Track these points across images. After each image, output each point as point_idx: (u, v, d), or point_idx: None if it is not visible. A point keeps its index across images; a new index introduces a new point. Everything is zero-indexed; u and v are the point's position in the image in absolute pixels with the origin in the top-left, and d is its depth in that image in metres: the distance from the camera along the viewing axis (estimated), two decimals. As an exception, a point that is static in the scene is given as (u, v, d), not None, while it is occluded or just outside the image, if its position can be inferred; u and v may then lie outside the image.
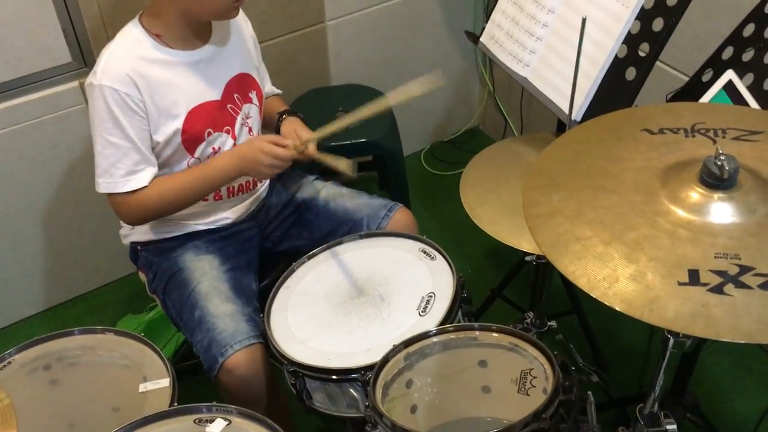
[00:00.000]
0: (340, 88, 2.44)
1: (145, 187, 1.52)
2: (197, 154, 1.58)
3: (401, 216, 1.72)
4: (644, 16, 1.49)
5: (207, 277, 1.59)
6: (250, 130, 1.68)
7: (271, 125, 1.76)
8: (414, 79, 1.46)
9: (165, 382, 1.38)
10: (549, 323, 1.87)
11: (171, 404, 1.32)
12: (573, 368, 1.24)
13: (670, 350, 1.13)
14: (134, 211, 1.55)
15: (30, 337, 1.48)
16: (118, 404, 1.48)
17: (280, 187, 1.82)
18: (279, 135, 1.61)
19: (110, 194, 1.53)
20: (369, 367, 1.32)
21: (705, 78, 1.48)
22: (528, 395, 1.30)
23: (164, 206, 1.57)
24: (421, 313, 1.45)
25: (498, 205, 1.59)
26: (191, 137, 1.55)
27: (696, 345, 1.57)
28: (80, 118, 2.04)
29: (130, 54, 1.48)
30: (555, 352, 1.26)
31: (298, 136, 1.61)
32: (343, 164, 1.49)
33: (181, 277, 1.61)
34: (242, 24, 1.67)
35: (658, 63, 1.49)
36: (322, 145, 1.58)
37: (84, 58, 1.99)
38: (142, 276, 1.74)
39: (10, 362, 1.44)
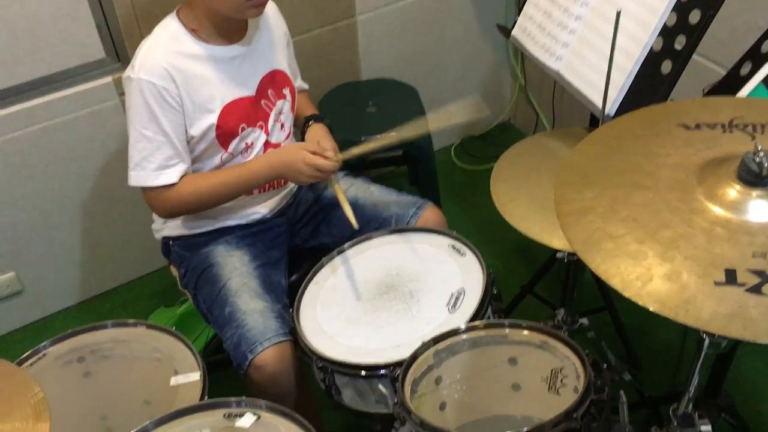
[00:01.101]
0: (370, 82, 2.44)
1: (181, 182, 1.53)
2: (230, 149, 1.59)
3: (430, 214, 1.72)
4: (681, 7, 1.46)
5: (237, 273, 1.60)
6: (282, 126, 1.68)
7: (297, 126, 1.77)
8: (455, 101, 1.51)
9: (196, 376, 1.39)
10: (580, 321, 1.85)
11: (201, 398, 1.33)
12: (605, 366, 1.22)
13: (705, 351, 1.11)
14: (167, 206, 1.57)
15: (64, 330, 1.49)
16: (149, 397, 1.50)
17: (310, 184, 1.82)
18: (318, 144, 1.62)
19: (144, 188, 1.54)
20: (398, 364, 1.32)
21: (743, 71, 1.45)
22: (558, 394, 1.29)
23: (199, 203, 1.59)
24: (451, 310, 1.44)
25: (529, 201, 1.57)
26: (225, 132, 1.56)
27: (732, 345, 1.54)
28: (114, 113, 2.07)
29: (168, 48, 1.49)
30: (586, 351, 1.24)
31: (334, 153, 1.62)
32: (349, 211, 1.54)
33: (212, 273, 1.62)
34: (277, 21, 1.68)
35: (694, 56, 1.46)
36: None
37: (117, 54, 2.01)
38: (174, 271, 1.76)
39: (44, 354, 1.46)
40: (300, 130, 1.76)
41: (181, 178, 1.54)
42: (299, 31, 2.22)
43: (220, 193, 1.58)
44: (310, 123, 1.74)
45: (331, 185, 1.67)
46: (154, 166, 1.51)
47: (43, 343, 1.46)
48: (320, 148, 1.57)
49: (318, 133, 1.71)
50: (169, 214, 1.64)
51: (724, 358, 1.56)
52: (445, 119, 1.53)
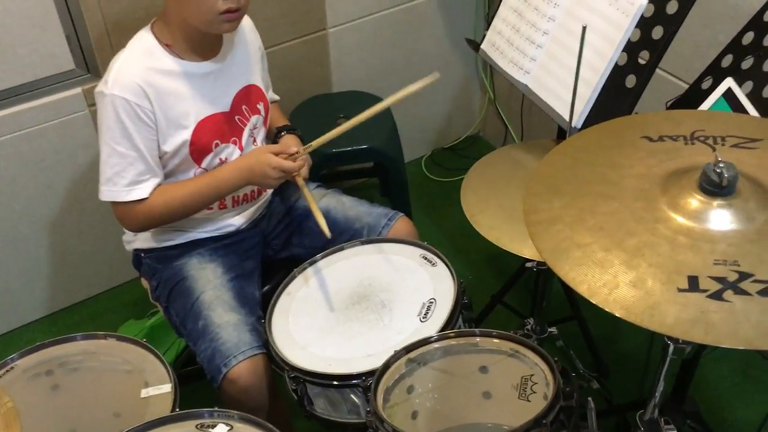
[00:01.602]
0: (341, 94, 2.45)
1: (151, 195, 1.53)
2: (204, 164, 1.59)
3: (402, 225, 1.74)
4: (644, 24, 1.50)
5: (210, 286, 1.60)
6: (255, 140, 1.69)
7: (269, 137, 1.78)
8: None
9: (167, 388, 1.38)
10: (549, 330, 1.88)
11: (173, 409, 1.32)
12: (573, 374, 1.24)
13: (670, 356, 1.14)
14: (139, 220, 1.57)
15: (31, 343, 1.48)
16: (119, 410, 1.49)
17: (282, 194, 1.83)
18: (285, 144, 1.63)
19: (114, 202, 1.54)
20: (370, 373, 1.33)
21: (704, 86, 1.49)
22: (529, 401, 1.31)
23: (169, 214, 1.58)
24: (422, 319, 1.45)
25: (499, 211, 1.59)
26: (199, 148, 1.57)
27: (696, 351, 1.58)
28: (83, 124, 2.05)
29: (142, 64, 1.49)
30: (555, 359, 1.26)
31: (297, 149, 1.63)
32: (322, 220, 1.54)
33: (184, 286, 1.62)
34: (252, 36, 1.69)
35: (657, 70, 1.50)
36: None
37: (87, 65, 2.00)
38: (145, 283, 1.75)
39: (12, 367, 1.44)
40: (272, 141, 1.77)
41: (152, 192, 1.54)
42: (271, 43, 2.23)
43: (191, 203, 1.58)
44: (282, 134, 1.75)
45: (302, 195, 1.67)
46: (126, 182, 1.51)
47: (11, 356, 1.45)
48: (284, 145, 1.59)
49: (290, 143, 1.71)
50: (139, 228, 1.63)
51: (689, 364, 1.60)
52: (401, 93, 1.55)
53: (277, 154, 1.56)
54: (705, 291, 0.93)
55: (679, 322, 0.90)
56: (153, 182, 1.53)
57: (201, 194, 1.58)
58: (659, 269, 0.96)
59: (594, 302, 0.94)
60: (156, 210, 1.55)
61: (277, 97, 1.86)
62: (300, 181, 1.62)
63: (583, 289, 0.95)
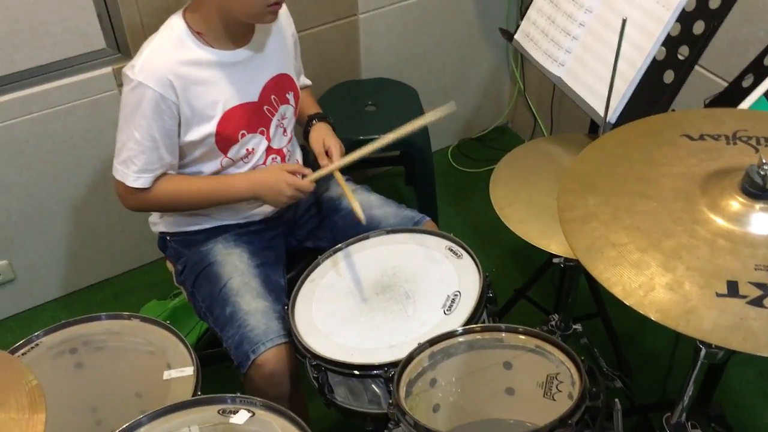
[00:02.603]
0: (370, 81, 2.43)
1: (157, 182, 1.54)
2: (230, 154, 1.59)
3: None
4: (685, 18, 1.46)
5: (238, 272, 1.60)
6: (285, 130, 1.68)
7: (300, 123, 1.77)
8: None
9: (189, 371, 1.39)
10: (574, 326, 1.85)
11: (194, 393, 1.33)
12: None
13: (701, 360, 1.11)
14: (136, 204, 1.58)
15: (55, 320, 1.49)
16: (141, 390, 1.50)
17: None
18: (300, 165, 1.65)
19: (118, 181, 1.55)
20: (392, 364, 1.32)
21: (745, 83, 1.45)
22: (554, 400, 1.29)
23: (169, 206, 1.62)
24: (446, 312, 1.44)
25: (528, 205, 1.57)
26: (225, 138, 1.56)
27: (727, 356, 1.55)
28: (112, 103, 2.05)
29: (172, 54, 1.48)
30: (582, 357, 1.24)
31: (326, 154, 1.65)
32: (357, 205, 1.56)
33: (211, 272, 1.62)
34: (285, 23, 1.67)
35: (695, 67, 1.47)
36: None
37: (118, 44, 2.00)
38: (170, 266, 1.75)
39: (37, 344, 1.45)
40: (303, 128, 1.75)
41: (158, 180, 1.54)
42: (301, 27, 2.20)
43: (193, 203, 1.61)
44: (314, 122, 1.73)
45: (337, 184, 1.66)
46: (137, 168, 1.51)
47: (36, 333, 1.46)
48: (298, 167, 1.60)
49: (322, 132, 1.70)
50: (134, 209, 1.64)
51: (717, 367, 1.57)
52: (416, 123, 1.57)
53: (292, 174, 1.57)
54: (744, 297, 0.90)
55: (716, 328, 0.87)
56: (161, 173, 1.54)
57: (205, 196, 1.60)
58: (697, 273, 0.94)
59: (628, 304, 0.92)
60: (157, 199, 1.56)
61: (308, 82, 1.85)
62: (337, 173, 1.63)
63: (617, 290, 0.93)
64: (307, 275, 1.59)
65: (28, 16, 1.84)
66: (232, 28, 1.52)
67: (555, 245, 1.47)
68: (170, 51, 1.48)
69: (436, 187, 2.35)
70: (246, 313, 1.52)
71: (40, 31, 1.87)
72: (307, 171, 1.60)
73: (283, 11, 1.65)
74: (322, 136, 1.68)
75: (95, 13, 1.92)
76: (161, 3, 1.91)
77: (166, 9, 1.56)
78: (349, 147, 2.10)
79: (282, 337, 1.49)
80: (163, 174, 1.55)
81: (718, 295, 0.91)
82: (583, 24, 1.64)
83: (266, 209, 1.70)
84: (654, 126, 1.21)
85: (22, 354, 1.42)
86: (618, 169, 1.12)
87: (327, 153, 1.66)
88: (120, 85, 2.01)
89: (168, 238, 1.71)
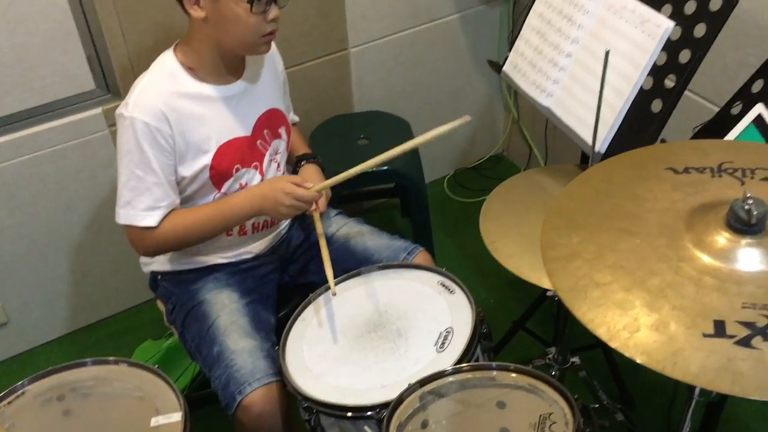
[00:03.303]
0: (362, 114, 2.43)
1: (162, 223, 1.51)
2: (224, 189, 1.58)
3: (421, 259, 1.71)
4: (671, 47, 1.45)
5: (226, 311, 1.58)
6: (278, 166, 1.67)
7: (289, 164, 1.76)
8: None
9: (177, 417, 1.36)
10: (572, 359, 1.82)
11: (182, 439, 1.30)
12: (596, 405, 1.19)
13: (696, 398, 1.08)
14: (147, 244, 1.55)
15: (49, 363, 1.47)
16: (130, 437, 1.47)
17: (302, 221, 1.80)
18: (303, 178, 1.60)
19: (127, 226, 1.53)
20: (384, 405, 1.29)
21: (734, 111, 1.44)
22: (547, 441, 1.26)
23: (178, 241, 1.56)
24: (439, 350, 1.42)
25: (519, 238, 1.55)
26: (219, 173, 1.55)
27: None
28: (103, 144, 2.06)
29: (165, 88, 1.48)
30: (576, 396, 1.21)
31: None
32: (329, 271, 1.53)
33: (200, 311, 1.60)
34: (274, 58, 1.67)
35: (686, 92, 1.46)
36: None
37: (108, 85, 2.00)
38: (161, 305, 1.74)
39: (23, 393, 1.43)
40: (292, 169, 1.75)
41: (166, 217, 1.52)
42: (292, 63, 2.22)
43: (201, 230, 1.56)
44: (303, 163, 1.72)
45: (327, 216, 1.64)
46: (144, 206, 1.49)
47: (22, 381, 1.43)
48: (300, 179, 1.56)
49: (310, 174, 1.69)
50: (149, 253, 1.62)
51: (717, 403, 1.54)
52: (429, 135, 1.53)
53: (294, 184, 1.53)
54: (732, 337, 0.88)
55: (704, 371, 0.85)
56: (168, 209, 1.52)
57: (211, 221, 1.55)
58: (683, 312, 0.91)
59: (613, 347, 0.89)
60: (164, 237, 1.53)
61: (296, 119, 1.84)
62: (316, 219, 1.60)
63: (601, 332, 0.91)
64: (298, 314, 1.57)
65: (18, 59, 1.84)
66: (224, 62, 1.52)
67: (547, 280, 1.44)
68: (163, 84, 1.48)
69: (432, 217, 2.34)
70: (233, 352, 1.50)
71: (29, 75, 1.88)
72: (309, 183, 1.55)
73: (272, 48, 1.66)
74: (310, 179, 1.66)
75: (84, 55, 1.92)
76: (151, 44, 1.92)
77: (156, 49, 1.56)
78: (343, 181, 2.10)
79: (270, 376, 1.46)
80: (169, 212, 1.53)
81: (705, 335, 0.88)
82: (570, 54, 1.63)
83: (258, 246, 1.69)
84: (638, 159, 1.20)
85: (8, 403, 1.40)
86: (602, 204, 1.11)
87: None
88: (111, 125, 2.02)
89: (159, 277, 1.70)
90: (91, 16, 1.89)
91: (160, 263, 1.68)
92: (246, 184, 1.60)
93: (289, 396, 1.44)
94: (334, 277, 1.57)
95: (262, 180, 1.62)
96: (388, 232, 1.77)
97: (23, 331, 2.27)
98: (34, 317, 2.26)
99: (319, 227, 1.62)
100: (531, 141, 2.74)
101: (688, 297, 0.93)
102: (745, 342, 0.87)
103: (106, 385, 1.47)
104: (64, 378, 1.47)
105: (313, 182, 1.61)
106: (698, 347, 0.87)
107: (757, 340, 0.87)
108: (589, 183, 1.16)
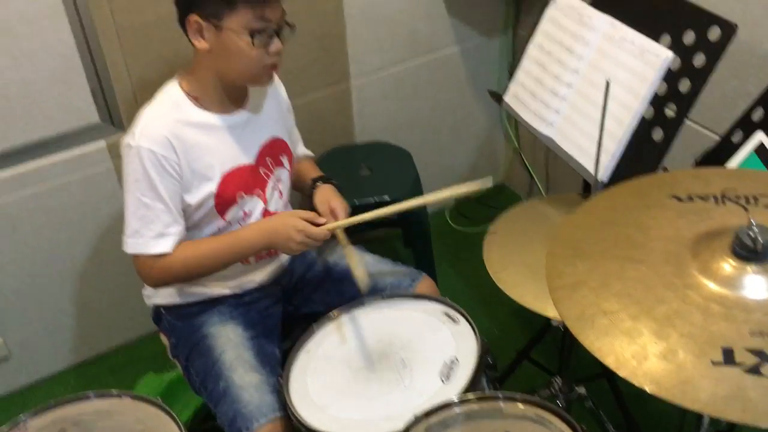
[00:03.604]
0: (363, 145, 2.45)
1: (170, 252, 1.51)
2: (228, 217, 1.58)
3: (424, 286, 1.70)
4: (671, 76, 1.47)
5: (231, 345, 1.57)
6: (281, 194, 1.67)
7: (304, 190, 1.76)
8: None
9: (180, 450, 1.35)
10: (578, 389, 1.81)
11: (185, 474, 1.29)
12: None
13: (705, 428, 1.07)
14: (156, 274, 1.54)
15: (50, 396, 1.46)
16: (132, 472, 1.45)
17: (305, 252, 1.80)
18: (312, 211, 1.60)
19: (136, 255, 1.52)
20: (390, 437, 1.28)
21: (735, 139, 1.45)
22: (555, 472, 1.24)
23: (187, 272, 1.56)
24: (444, 380, 1.40)
25: (522, 268, 1.55)
26: (224, 200, 1.55)
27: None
28: (107, 177, 2.06)
29: (170, 116, 1.49)
30: (583, 426, 1.20)
31: (332, 215, 1.61)
32: (360, 273, 1.53)
33: (205, 345, 1.59)
34: (277, 88, 1.69)
35: (686, 121, 1.47)
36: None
37: (112, 118, 2.02)
38: (164, 339, 1.72)
39: (25, 427, 1.41)
40: (307, 192, 1.74)
41: (174, 247, 1.52)
42: (294, 95, 2.22)
43: (210, 262, 1.56)
44: (318, 184, 1.72)
45: (341, 247, 1.64)
46: (153, 234, 1.49)
47: (22, 415, 1.42)
48: (312, 215, 1.57)
49: (327, 193, 1.69)
50: (157, 284, 1.61)
51: (727, 429, 1.52)
52: (446, 192, 1.53)
53: (307, 221, 1.53)
54: (741, 365, 0.87)
55: (713, 399, 0.84)
56: (178, 236, 1.52)
57: (220, 253, 1.55)
58: (691, 340, 0.91)
59: (622, 375, 0.89)
60: (173, 267, 1.53)
61: (310, 153, 1.86)
62: (343, 242, 1.60)
63: (610, 361, 0.90)
64: (301, 345, 1.56)
65: (22, 93, 1.86)
66: (227, 91, 1.53)
67: (551, 309, 1.43)
68: (168, 113, 1.49)
69: (435, 248, 2.34)
70: (239, 387, 1.49)
71: (33, 108, 1.89)
72: (322, 220, 1.56)
73: (275, 79, 1.67)
74: (327, 197, 1.66)
75: (88, 88, 1.94)
76: (154, 77, 1.93)
77: (159, 82, 1.57)
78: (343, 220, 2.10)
79: (276, 411, 1.45)
80: (179, 240, 1.53)
81: (714, 363, 0.88)
82: (570, 85, 1.65)
83: (261, 275, 1.68)
84: (642, 188, 1.20)
85: (10, 438, 1.39)
86: (607, 233, 1.11)
87: (332, 213, 1.63)
88: (116, 156, 2.03)
89: (162, 311, 1.69)
90: (95, 51, 1.91)
91: (164, 296, 1.68)
92: (249, 213, 1.60)
93: (295, 429, 1.42)
94: (336, 307, 1.57)
95: (265, 207, 1.62)
96: (391, 260, 1.77)
97: (25, 365, 2.25)
98: (36, 351, 2.24)
99: (343, 239, 1.61)
100: (532, 170, 2.75)
101: (696, 325, 0.93)
102: (754, 370, 0.86)
103: (108, 418, 1.45)
104: (67, 412, 1.45)
105: (330, 201, 1.63)
106: (707, 375, 0.87)
107: (766, 368, 0.86)
108: (594, 211, 1.16)
